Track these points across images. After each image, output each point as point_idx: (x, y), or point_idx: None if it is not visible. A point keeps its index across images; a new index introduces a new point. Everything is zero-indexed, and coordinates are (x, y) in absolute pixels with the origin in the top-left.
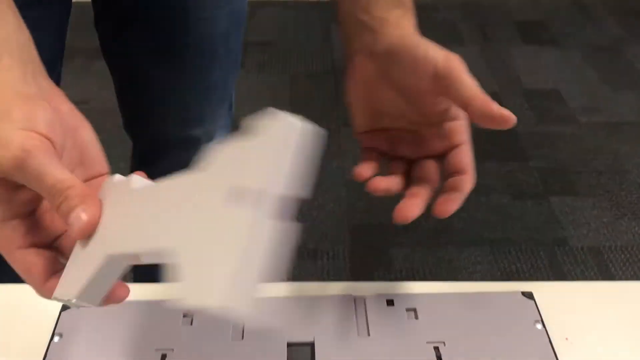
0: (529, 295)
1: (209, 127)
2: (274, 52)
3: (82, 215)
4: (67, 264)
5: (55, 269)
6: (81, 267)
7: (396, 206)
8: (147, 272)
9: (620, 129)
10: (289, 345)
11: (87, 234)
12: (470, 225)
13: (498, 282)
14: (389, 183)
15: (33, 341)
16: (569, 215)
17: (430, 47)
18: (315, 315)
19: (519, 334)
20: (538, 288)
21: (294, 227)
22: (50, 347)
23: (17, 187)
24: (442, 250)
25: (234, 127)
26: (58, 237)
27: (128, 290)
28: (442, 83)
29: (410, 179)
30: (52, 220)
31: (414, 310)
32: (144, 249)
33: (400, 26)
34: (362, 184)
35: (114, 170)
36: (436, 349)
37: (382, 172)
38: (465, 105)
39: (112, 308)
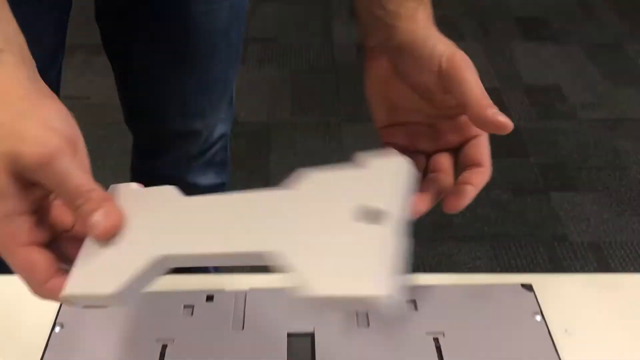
0: (528, 287)
1: (210, 121)
2: (274, 48)
3: (104, 218)
4: (78, 264)
5: (57, 268)
6: (112, 266)
7: None
8: None
9: (620, 125)
10: (289, 335)
11: (110, 236)
12: (470, 221)
13: (498, 274)
14: None
15: (34, 331)
16: (569, 211)
17: (438, 43)
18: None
19: (518, 325)
20: (537, 280)
21: (408, 242)
22: (51, 337)
23: (30, 184)
24: (442, 245)
25: (234, 121)
26: (56, 238)
27: None
28: (444, 82)
29: (425, 173)
30: (54, 221)
31: (414, 301)
32: (240, 250)
33: (414, 19)
34: None
35: (115, 165)
36: (435, 340)
37: None
38: (464, 107)
39: None
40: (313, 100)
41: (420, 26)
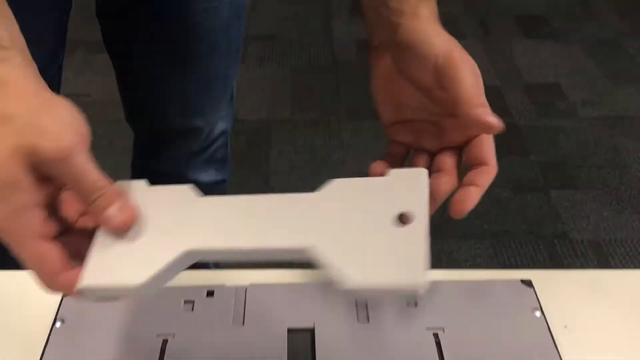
0: (528, 283)
1: (211, 118)
2: (275, 46)
3: (120, 211)
4: (92, 257)
5: (68, 261)
6: (135, 259)
7: None
8: None
9: (620, 123)
10: (290, 330)
11: (125, 229)
12: (470, 218)
13: (497, 270)
14: None
15: (35, 326)
16: (569, 208)
17: (437, 40)
18: (316, 301)
19: (518, 321)
20: (537, 276)
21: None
22: (52, 332)
23: (44, 177)
24: (442, 242)
25: (234, 118)
26: (62, 233)
27: None
28: (440, 79)
29: (430, 172)
30: (65, 214)
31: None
32: (276, 246)
33: (417, 16)
34: None
35: (116, 162)
36: (435, 335)
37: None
38: (455, 107)
39: None
40: (313, 98)
41: (423, 23)
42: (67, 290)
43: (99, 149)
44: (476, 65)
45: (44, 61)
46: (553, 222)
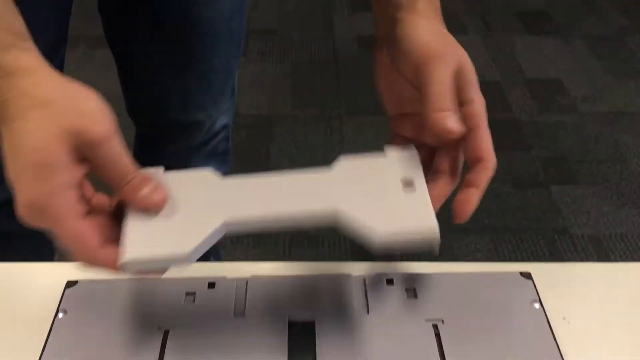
0: (527, 276)
1: (212, 112)
2: (276, 41)
3: (154, 191)
4: (130, 234)
5: (105, 237)
6: (176, 232)
7: None
8: None
9: (621, 119)
10: (290, 322)
11: (159, 207)
12: None
13: (497, 263)
14: None
15: (38, 317)
16: (569, 204)
17: (421, 37)
18: (316, 293)
19: (517, 313)
20: (536, 269)
21: None
22: (54, 323)
23: (81, 159)
24: (442, 238)
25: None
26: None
27: None
28: (416, 79)
29: (428, 170)
30: (89, 196)
31: (413, 289)
32: (306, 210)
33: (414, 10)
34: None
35: None
36: (435, 326)
37: None
38: (422, 107)
39: (115, 285)
40: (314, 94)
41: (418, 18)
42: (109, 265)
43: None
44: (467, 64)
45: (46, 55)
46: (553, 217)
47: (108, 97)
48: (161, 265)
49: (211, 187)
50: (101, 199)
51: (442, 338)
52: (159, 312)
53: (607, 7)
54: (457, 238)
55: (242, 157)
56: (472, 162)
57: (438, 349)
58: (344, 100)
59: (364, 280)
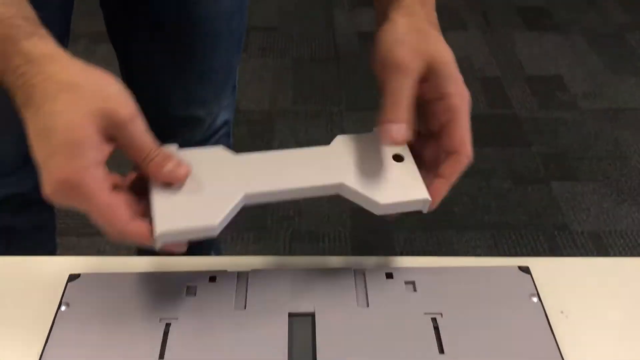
0: (525, 270)
1: (213, 108)
2: (277, 37)
3: (178, 166)
4: (158, 208)
5: (135, 211)
6: (203, 204)
7: None
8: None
9: (621, 115)
10: (290, 315)
11: (182, 181)
12: (471, 210)
13: (495, 257)
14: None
15: (41, 310)
16: (569, 200)
17: (389, 36)
18: (316, 286)
19: (515, 306)
20: (535, 263)
21: None
22: (57, 316)
23: (109, 139)
24: (442, 234)
25: (237, 108)
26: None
27: None
28: (380, 84)
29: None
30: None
31: (413, 283)
32: (317, 184)
33: (400, 7)
34: None
35: (118, 151)
36: (433, 319)
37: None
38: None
39: (117, 279)
40: (315, 89)
41: (402, 14)
42: (141, 237)
43: None
44: (442, 59)
45: None
46: (553, 214)
47: None
48: (191, 237)
49: (226, 162)
50: (116, 178)
51: (440, 331)
52: (160, 305)
53: (608, 3)
54: (457, 234)
55: (243, 151)
56: (446, 154)
57: (437, 342)
58: (345, 95)
59: (364, 273)
